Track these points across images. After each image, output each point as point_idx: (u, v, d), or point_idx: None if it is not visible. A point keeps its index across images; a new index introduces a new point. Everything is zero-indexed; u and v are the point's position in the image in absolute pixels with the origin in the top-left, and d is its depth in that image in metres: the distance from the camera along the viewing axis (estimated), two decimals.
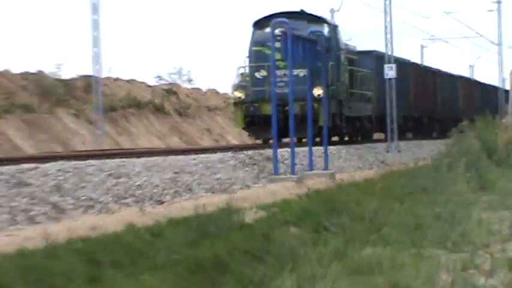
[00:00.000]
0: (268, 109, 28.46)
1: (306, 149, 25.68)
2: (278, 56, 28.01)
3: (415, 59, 59.27)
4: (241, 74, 30.67)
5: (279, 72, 28.42)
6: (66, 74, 41.42)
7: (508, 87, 61.49)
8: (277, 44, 27.33)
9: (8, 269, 10.62)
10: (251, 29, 30.85)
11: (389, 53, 38.05)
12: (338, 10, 52.40)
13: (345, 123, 30.08)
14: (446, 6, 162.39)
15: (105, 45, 36.20)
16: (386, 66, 36.90)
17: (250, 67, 30.09)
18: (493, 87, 71.23)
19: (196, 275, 12.60)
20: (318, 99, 27.22)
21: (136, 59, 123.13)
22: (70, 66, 41.32)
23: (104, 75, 33.90)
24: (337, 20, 52.35)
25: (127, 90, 44.29)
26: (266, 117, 29.12)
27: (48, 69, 41.14)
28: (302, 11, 30.97)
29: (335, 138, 30.93)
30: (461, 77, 59.44)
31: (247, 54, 30.23)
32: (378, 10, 36.73)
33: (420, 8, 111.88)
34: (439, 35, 75.16)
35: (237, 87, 30.35)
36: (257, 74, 29.84)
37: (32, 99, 36.82)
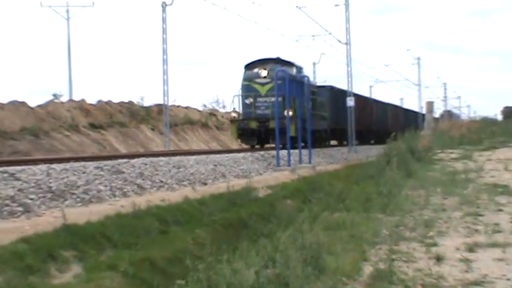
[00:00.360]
0: (253, 124, 28.17)
1: (296, 150, 25.56)
2: (261, 88, 28.09)
3: (366, 94, 59.53)
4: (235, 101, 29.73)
5: (262, 99, 28.23)
6: (146, 103, 41.55)
7: (424, 112, 62.52)
8: (262, 80, 27.90)
9: (110, 224, 10.71)
10: (243, 70, 29.99)
11: (350, 90, 37.85)
12: (318, 63, 52.20)
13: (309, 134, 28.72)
14: (386, 60, 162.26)
15: (171, 84, 36.25)
16: (348, 98, 36.48)
17: (242, 96, 28.90)
18: (414, 112, 71.53)
19: (227, 229, 12.71)
20: (289, 117, 26.19)
21: (190, 93, 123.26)
22: (149, 97, 41.43)
23: (170, 103, 33.73)
24: (317, 69, 52.51)
25: (184, 113, 44.26)
26: (252, 130, 28.50)
27: (135, 99, 41.26)
28: (278, 58, 30.03)
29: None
30: (390, 104, 58.83)
31: (240, 87, 29.24)
32: (343, 63, 36.62)
33: (370, 61, 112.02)
34: (381, 79, 75.26)
35: (232, 111, 29.60)
36: (246, 101, 28.59)
37: (125, 119, 36.96)
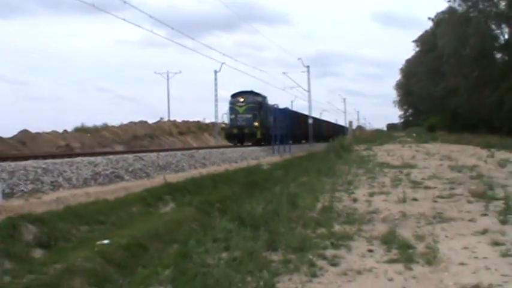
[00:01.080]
0: (235, 131, 23.80)
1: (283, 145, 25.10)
2: (240, 109, 23.97)
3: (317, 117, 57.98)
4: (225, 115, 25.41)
5: (240, 115, 23.97)
6: (206, 121, 41.08)
7: (347, 126, 61.16)
8: (241, 104, 23.98)
9: (188, 182, 10.72)
10: (230, 97, 25.57)
11: (310, 114, 36.31)
12: (294, 100, 51.27)
13: (271, 137, 24.75)
14: (328, 99, 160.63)
15: (220, 111, 35.65)
16: (308, 119, 35.12)
17: (229, 113, 24.34)
18: (342, 126, 66.81)
19: (247, 186, 12.66)
20: (256, 126, 22.99)
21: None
22: (208, 118, 40.79)
23: (219, 121, 33.48)
24: (294, 104, 50.78)
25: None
26: (234, 134, 23.99)
27: (201, 119, 40.85)
28: (252, 90, 25.42)
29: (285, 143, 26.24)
30: (324, 120, 53.83)
31: (228, 108, 24.85)
32: (306, 101, 35.51)
33: (320, 100, 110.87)
34: (326, 109, 74.36)
35: (223, 122, 25.39)
36: (231, 116, 24.08)
37: (196, 129, 36.82)
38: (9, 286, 4.58)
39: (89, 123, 27.22)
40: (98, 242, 6.18)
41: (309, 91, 38.41)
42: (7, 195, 7.07)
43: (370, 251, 4.42)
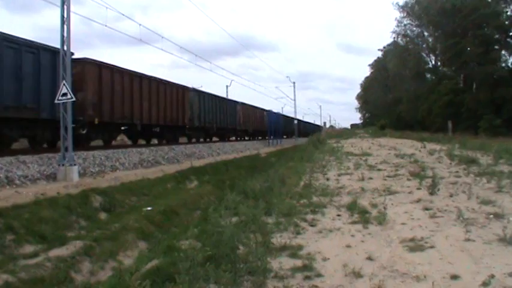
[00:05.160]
0: None
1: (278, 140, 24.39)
2: None
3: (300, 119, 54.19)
4: None
5: None
6: None
7: (322, 125, 60.01)
8: None
9: (207, 167, 10.60)
10: None
11: (295, 116, 33.98)
12: (284, 106, 49.85)
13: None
14: (309, 106, 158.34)
15: None
16: (294, 121, 31.85)
17: None
18: (318, 125, 61.96)
19: (250, 169, 12.47)
20: None
21: None
22: None
23: None
24: (283, 109, 43.93)
25: None
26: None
27: None
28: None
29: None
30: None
31: None
32: (292, 107, 32.32)
33: (302, 106, 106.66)
34: (306, 113, 72.97)
35: None
36: None
37: None
38: (85, 237, 4.60)
39: None
40: (144, 209, 6.19)
41: (294, 100, 37.94)
42: (81, 175, 7.09)
43: (339, 215, 4.40)
